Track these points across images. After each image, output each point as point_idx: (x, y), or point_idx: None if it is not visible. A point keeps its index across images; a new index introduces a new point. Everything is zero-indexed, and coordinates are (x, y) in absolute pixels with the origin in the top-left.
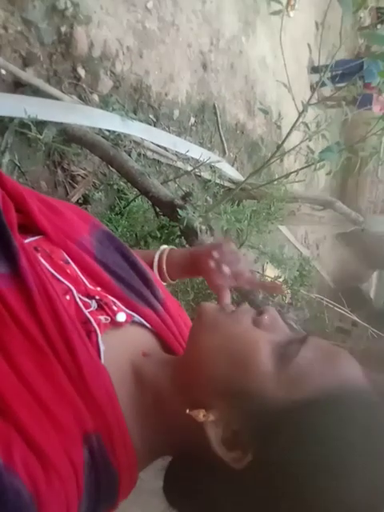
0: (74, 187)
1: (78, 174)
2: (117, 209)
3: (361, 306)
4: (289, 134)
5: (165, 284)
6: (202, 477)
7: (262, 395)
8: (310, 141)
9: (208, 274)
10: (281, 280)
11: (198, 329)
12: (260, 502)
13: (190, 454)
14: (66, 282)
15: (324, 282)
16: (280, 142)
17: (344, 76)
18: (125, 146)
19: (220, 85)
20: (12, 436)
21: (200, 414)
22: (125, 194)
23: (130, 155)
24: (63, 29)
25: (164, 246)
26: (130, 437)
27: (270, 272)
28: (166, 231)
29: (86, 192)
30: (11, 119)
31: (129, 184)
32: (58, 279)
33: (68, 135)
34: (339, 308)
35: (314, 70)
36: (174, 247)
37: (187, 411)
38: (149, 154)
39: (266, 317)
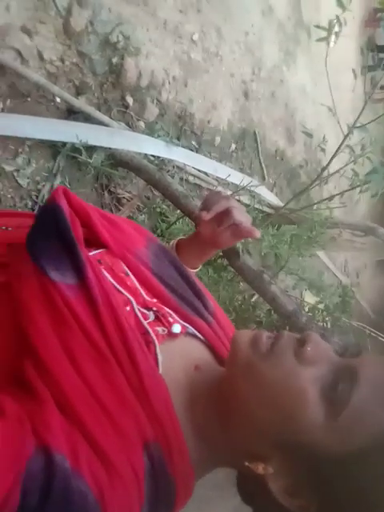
0: (119, 209)
1: (124, 197)
2: (159, 231)
3: None
4: (335, 155)
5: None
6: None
7: (316, 448)
8: (354, 164)
9: (213, 239)
10: (321, 306)
11: (234, 373)
12: None
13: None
14: (126, 294)
15: (364, 312)
16: (319, 169)
17: None
18: (168, 171)
19: (261, 112)
20: (78, 440)
21: (259, 468)
22: (166, 216)
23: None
24: (114, 60)
25: (173, 241)
26: (187, 447)
27: (309, 299)
28: None
29: (131, 214)
30: (64, 144)
31: (170, 207)
32: (119, 291)
33: (115, 160)
34: (382, 337)
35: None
36: (182, 237)
37: (246, 464)
38: (191, 178)
39: (309, 348)
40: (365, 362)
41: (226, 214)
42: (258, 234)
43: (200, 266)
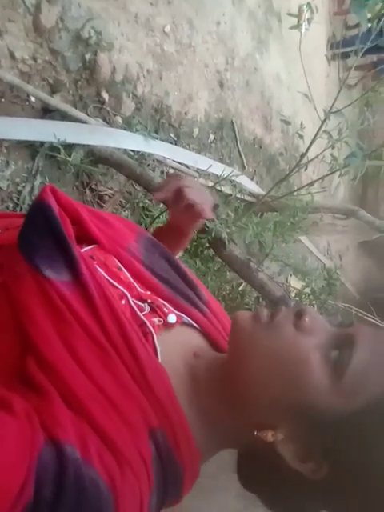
0: (101, 206)
1: (106, 194)
2: (143, 225)
3: None
4: (313, 140)
5: None
6: (275, 478)
7: (323, 409)
8: (333, 148)
9: (175, 221)
10: (307, 290)
11: (238, 348)
12: (342, 501)
13: (257, 454)
14: (120, 288)
15: (348, 294)
16: (297, 155)
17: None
18: (148, 165)
19: (237, 102)
20: (86, 431)
21: (269, 435)
22: (150, 211)
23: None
24: (87, 56)
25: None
26: (192, 432)
27: (295, 283)
28: (194, 243)
29: (114, 210)
30: (42, 143)
31: (153, 201)
32: (114, 285)
33: (95, 156)
34: (370, 317)
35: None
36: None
37: (255, 433)
38: (171, 171)
39: (307, 319)
40: (360, 328)
41: (179, 194)
42: (210, 215)
43: (179, 253)
